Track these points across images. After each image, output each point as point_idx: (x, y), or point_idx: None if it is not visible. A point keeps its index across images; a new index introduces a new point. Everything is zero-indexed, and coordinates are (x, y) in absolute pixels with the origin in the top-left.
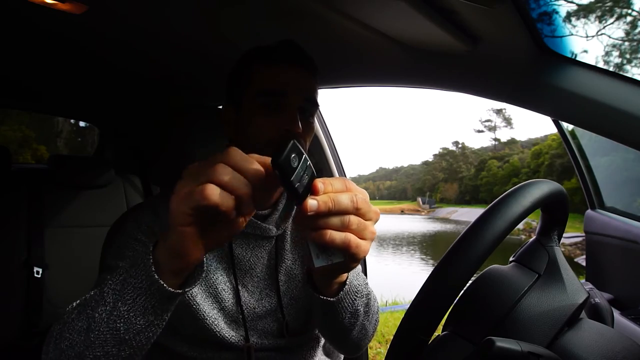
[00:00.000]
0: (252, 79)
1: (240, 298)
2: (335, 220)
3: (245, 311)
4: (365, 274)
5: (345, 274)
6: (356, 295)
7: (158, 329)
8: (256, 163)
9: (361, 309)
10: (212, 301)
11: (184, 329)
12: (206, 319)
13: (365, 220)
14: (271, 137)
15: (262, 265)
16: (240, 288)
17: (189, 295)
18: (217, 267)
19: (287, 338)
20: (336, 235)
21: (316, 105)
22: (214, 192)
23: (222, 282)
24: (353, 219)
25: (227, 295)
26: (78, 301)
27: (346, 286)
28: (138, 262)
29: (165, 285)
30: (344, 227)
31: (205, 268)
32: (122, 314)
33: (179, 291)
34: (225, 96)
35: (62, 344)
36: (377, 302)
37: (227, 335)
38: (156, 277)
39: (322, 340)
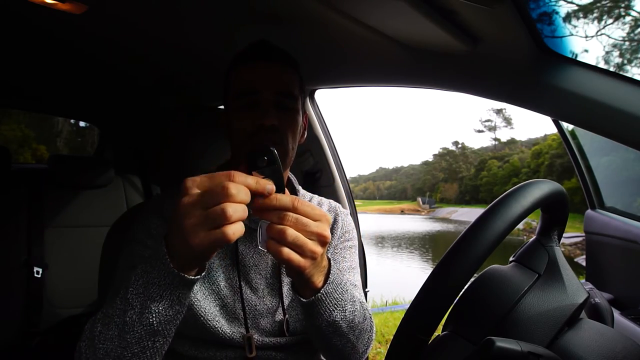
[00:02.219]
0: (231, 82)
1: (242, 295)
2: (273, 215)
3: (247, 308)
4: (365, 274)
5: (320, 283)
6: (334, 307)
7: (182, 314)
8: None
9: (341, 322)
10: (214, 298)
11: (186, 328)
12: (207, 317)
13: (306, 231)
14: (250, 131)
15: (266, 263)
16: (243, 284)
17: (192, 293)
18: (220, 264)
19: (287, 337)
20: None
21: (293, 97)
22: (238, 229)
23: (225, 278)
24: (289, 230)
25: (230, 292)
26: (97, 316)
27: (320, 294)
28: (155, 262)
29: (186, 275)
30: (280, 222)
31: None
32: (153, 310)
33: (198, 276)
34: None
35: (98, 354)
36: (372, 322)
37: (228, 332)
38: (176, 271)
39: None
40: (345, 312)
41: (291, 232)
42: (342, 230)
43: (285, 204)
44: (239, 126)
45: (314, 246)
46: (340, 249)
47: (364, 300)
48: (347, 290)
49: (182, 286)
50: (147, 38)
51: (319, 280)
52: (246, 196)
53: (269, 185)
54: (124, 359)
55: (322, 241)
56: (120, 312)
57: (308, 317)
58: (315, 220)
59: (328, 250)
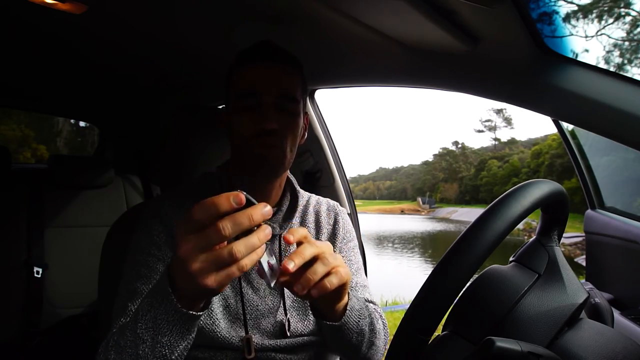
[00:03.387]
0: (232, 82)
1: (242, 294)
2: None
3: (248, 309)
4: (366, 274)
5: (345, 300)
6: (359, 317)
7: (192, 340)
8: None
9: (366, 328)
10: (215, 299)
11: None
12: (206, 322)
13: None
14: (250, 134)
15: None
16: (244, 284)
17: None
18: None
19: (288, 338)
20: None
21: (295, 101)
22: (251, 259)
23: None
24: (316, 276)
25: (231, 292)
26: (109, 343)
27: (347, 310)
28: (162, 299)
29: (194, 313)
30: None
31: None
32: (165, 343)
33: (206, 310)
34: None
35: None
36: (384, 320)
37: (227, 336)
38: (184, 310)
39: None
40: (366, 318)
41: (316, 277)
42: (344, 231)
43: (313, 253)
44: (239, 128)
45: (335, 279)
46: (345, 250)
47: (374, 299)
48: (357, 297)
49: (191, 321)
50: (147, 38)
51: (344, 300)
52: (249, 224)
53: (265, 208)
54: None
55: (341, 275)
56: (132, 344)
57: (341, 336)
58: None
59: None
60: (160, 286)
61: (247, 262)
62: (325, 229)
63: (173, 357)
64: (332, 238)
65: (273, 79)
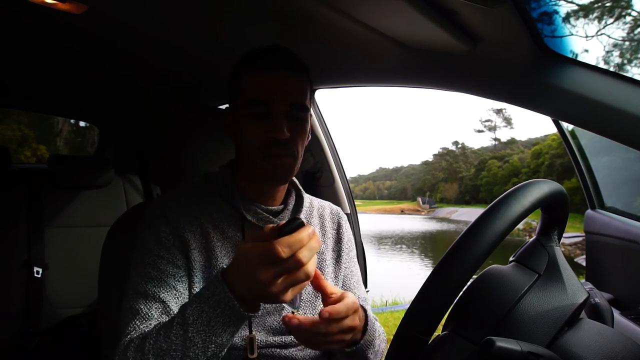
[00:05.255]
0: (241, 88)
1: None
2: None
3: None
4: (366, 274)
5: (360, 332)
6: (374, 337)
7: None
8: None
9: (375, 341)
10: None
11: None
12: None
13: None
14: (262, 144)
15: None
16: None
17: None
18: (228, 263)
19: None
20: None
21: (305, 109)
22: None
23: None
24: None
25: None
26: (145, 347)
27: (365, 336)
28: (220, 305)
29: (251, 314)
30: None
31: (216, 264)
32: (217, 342)
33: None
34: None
35: None
36: (384, 335)
37: None
38: (247, 313)
39: None
40: (379, 334)
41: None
42: (347, 239)
43: (340, 314)
44: (249, 137)
45: (349, 336)
46: (347, 261)
47: (369, 307)
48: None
49: (243, 320)
50: (147, 38)
51: (358, 334)
52: (319, 248)
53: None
54: None
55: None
56: (180, 347)
57: (354, 357)
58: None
59: (340, 263)
60: (215, 293)
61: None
62: (330, 234)
63: (220, 354)
64: (337, 244)
65: (286, 88)
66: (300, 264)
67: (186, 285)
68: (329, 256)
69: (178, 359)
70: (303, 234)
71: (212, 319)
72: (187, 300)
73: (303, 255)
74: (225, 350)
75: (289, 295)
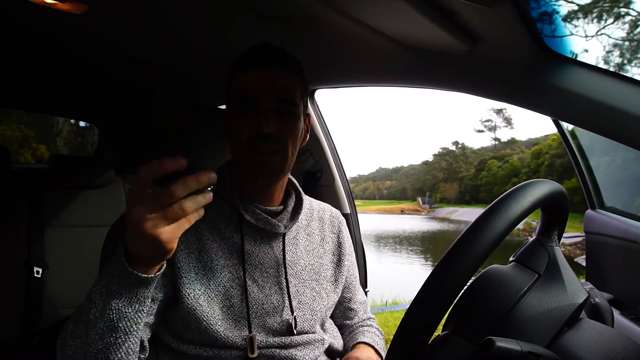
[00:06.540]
0: (232, 86)
1: (247, 293)
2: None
3: (254, 307)
4: (365, 274)
5: None
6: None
7: (143, 313)
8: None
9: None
10: (219, 300)
11: (187, 331)
12: (210, 322)
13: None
14: (248, 138)
15: (271, 261)
16: (249, 282)
17: (193, 298)
18: (226, 264)
19: (294, 336)
20: None
21: (294, 103)
22: (200, 213)
23: (231, 278)
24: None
25: (236, 291)
26: (71, 316)
27: None
28: (115, 262)
29: (145, 275)
30: None
31: (210, 265)
32: (113, 307)
33: (158, 273)
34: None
35: (68, 351)
36: (381, 331)
37: (230, 335)
38: (131, 270)
39: (326, 341)
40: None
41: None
42: (347, 244)
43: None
44: (237, 132)
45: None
46: (347, 266)
47: (369, 309)
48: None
49: (140, 284)
50: (147, 38)
51: None
52: (197, 186)
53: (212, 174)
54: (90, 355)
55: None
56: (86, 311)
57: None
58: None
59: (342, 267)
60: (115, 255)
61: (195, 216)
62: (330, 238)
63: (120, 325)
64: (339, 248)
65: (271, 82)
66: (171, 197)
67: (167, 289)
68: (328, 260)
69: (85, 325)
70: (168, 165)
71: (111, 279)
72: (162, 304)
73: (175, 188)
74: (127, 323)
75: (165, 234)
